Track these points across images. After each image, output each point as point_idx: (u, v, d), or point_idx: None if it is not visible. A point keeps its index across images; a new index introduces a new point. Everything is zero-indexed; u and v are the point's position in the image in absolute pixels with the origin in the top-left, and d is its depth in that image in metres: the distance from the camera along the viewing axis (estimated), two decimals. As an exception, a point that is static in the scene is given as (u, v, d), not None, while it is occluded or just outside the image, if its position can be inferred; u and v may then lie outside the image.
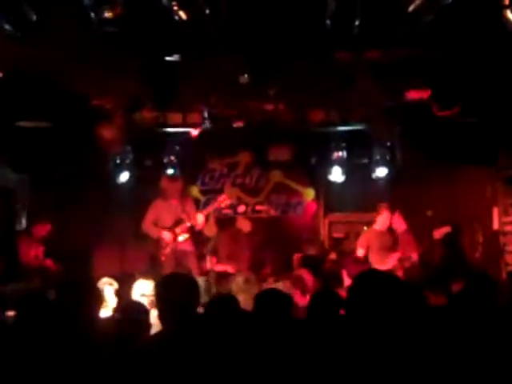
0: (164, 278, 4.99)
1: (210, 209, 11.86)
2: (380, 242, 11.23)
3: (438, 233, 11.53)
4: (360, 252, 11.22)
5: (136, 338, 5.07)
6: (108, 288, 8.18)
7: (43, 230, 11.61)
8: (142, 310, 5.60)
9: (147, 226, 11.26)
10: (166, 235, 11.07)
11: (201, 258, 11.60)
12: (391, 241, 11.27)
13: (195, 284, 4.82)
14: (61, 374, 4.33)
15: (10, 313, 6.64)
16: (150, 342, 4.67)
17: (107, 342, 4.79)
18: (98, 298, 5.03)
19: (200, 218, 11.28)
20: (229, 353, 4.49)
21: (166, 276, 5.15)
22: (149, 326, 5.41)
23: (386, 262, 10.88)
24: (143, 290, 9.67)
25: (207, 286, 10.33)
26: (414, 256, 11.11)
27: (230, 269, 11.08)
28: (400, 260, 10.90)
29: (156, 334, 4.79)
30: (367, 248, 11.22)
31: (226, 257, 11.38)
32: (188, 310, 4.60)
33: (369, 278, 3.93)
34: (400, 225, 11.31)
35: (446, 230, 11.49)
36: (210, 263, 11.27)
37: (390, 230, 11.35)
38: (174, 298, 4.59)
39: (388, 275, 3.94)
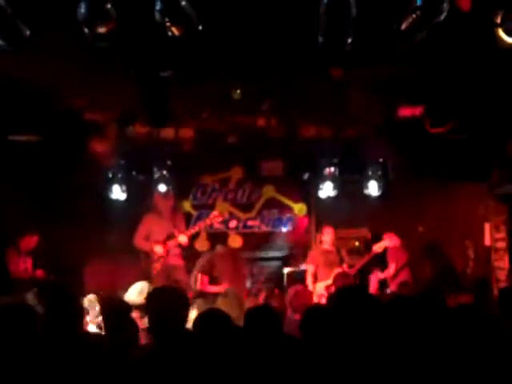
0: (154, 291, 4.98)
1: (202, 224, 11.83)
2: (325, 259, 11.52)
3: (378, 247, 11.61)
4: (310, 268, 11.59)
5: (125, 352, 5.04)
6: (92, 304, 8.12)
7: (31, 242, 11.55)
8: (131, 325, 5.58)
9: (138, 240, 11.27)
10: (158, 248, 11.06)
11: (191, 273, 11.54)
12: (336, 258, 11.55)
13: (184, 297, 4.82)
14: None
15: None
16: (139, 357, 4.64)
17: (95, 358, 4.76)
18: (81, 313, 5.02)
19: (183, 238, 11.25)
20: (218, 368, 4.48)
21: (156, 289, 5.14)
22: (138, 340, 5.40)
23: (330, 278, 11.12)
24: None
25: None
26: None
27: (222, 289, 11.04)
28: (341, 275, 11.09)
29: (145, 349, 4.77)
30: (316, 265, 11.54)
31: (227, 280, 11.18)
32: (177, 323, 4.59)
33: (346, 294, 3.94)
34: (392, 241, 11.45)
35: (384, 243, 11.58)
36: (200, 283, 11.08)
37: (335, 248, 11.71)
38: (163, 310, 4.58)
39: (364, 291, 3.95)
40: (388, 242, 11.50)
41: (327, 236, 11.59)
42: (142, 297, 8.48)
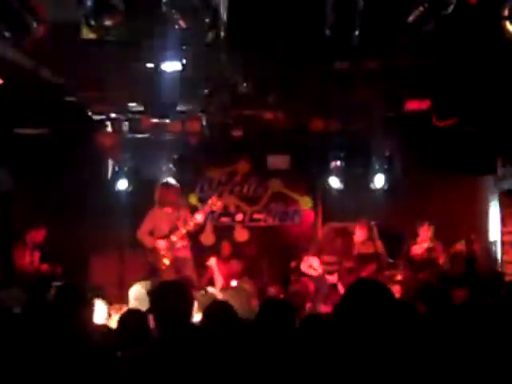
0: (157, 286, 4.98)
1: (203, 212, 11.56)
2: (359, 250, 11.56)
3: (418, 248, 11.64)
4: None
5: (133, 347, 5.04)
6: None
7: (38, 235, 11.59)
8: (140, 320, 5.57)
9: (142, 234, 11.11)
10: (161, 244, 10.95)
11: (199, 266, 11.53)
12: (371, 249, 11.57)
13: (187, 292, 4.82)
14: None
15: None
16: (144, 351, 4.63)
17: (101, 352, 4.76)
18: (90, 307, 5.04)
19: (199, 216, 11.10)
20: (227, 363, 4.47)
21: (159, 284, 5.14)
22: (147, 334, 5.39)
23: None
24: (137, 294, 9.66)
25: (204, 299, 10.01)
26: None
27: None
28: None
29: (151, 344, 4.77)
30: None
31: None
32: (182, 318, 4.59)
33: (360, 288, 3.93)
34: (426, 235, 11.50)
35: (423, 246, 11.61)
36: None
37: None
38: (166, 305, 4.58)
39: (379, 285, 3.93)
40: (427, 244, 11.50)
41: None
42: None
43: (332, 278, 11.01)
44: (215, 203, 11.46)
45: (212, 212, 12.57)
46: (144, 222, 11.17)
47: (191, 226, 11.00)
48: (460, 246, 11.39)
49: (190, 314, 4.72)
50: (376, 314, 3.73)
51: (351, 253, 11.23)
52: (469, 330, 4.65)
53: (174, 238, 10.93)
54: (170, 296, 4.66)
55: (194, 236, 11.59)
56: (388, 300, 3.81)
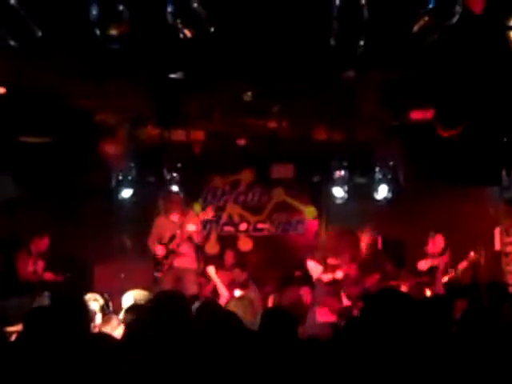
0: (154, 297, 4.98)
1: (197, 222, 11.43)
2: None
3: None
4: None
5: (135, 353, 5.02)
6: (93, 304, 8.08)
7: (42, 244, 11.55)
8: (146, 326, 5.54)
9: (151, 243, 11.07)
10: (159, 249, 10.89)
11: (201, 275, 11.47)
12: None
13: (183, 302, 4.81)
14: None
15: (10, 328, 6.56)
16: (144, 358, 4.61)
17: (101, 359, 4.73)
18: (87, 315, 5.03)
19: (191, 227, 11.01)
20: (228, 372, 4.46)
21: (155, 295, 5.14)
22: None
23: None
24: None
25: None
26: None
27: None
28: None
29: (152, 351, 4.76)
30: None
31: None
32: (181, 328, 4.58)
33: (384, 296, 3.92)
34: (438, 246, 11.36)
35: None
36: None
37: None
38: (164, 316, 4.58)
39: (401, 294, 3.93)
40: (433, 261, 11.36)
41: None
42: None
43: (337, 276, 10.79)
44: (208, 213, 11.39)
45: (216, 221, 12.55)
46: (152, 230, 11.12)
47: (185, 234, 10.91)
48: (472, 257, 11.34)
49: (188, 324, 4.71)
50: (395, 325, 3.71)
51: (358, 254, 10.99)
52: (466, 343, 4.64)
53: (171, 246, 10.85)
54: (166, 306, 4.66)
55: (199, 246, 11.55)
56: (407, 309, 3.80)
